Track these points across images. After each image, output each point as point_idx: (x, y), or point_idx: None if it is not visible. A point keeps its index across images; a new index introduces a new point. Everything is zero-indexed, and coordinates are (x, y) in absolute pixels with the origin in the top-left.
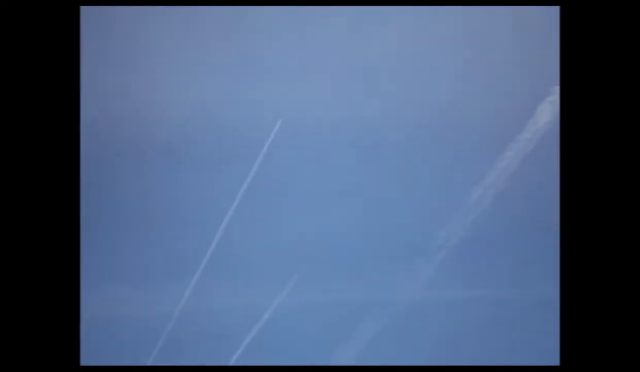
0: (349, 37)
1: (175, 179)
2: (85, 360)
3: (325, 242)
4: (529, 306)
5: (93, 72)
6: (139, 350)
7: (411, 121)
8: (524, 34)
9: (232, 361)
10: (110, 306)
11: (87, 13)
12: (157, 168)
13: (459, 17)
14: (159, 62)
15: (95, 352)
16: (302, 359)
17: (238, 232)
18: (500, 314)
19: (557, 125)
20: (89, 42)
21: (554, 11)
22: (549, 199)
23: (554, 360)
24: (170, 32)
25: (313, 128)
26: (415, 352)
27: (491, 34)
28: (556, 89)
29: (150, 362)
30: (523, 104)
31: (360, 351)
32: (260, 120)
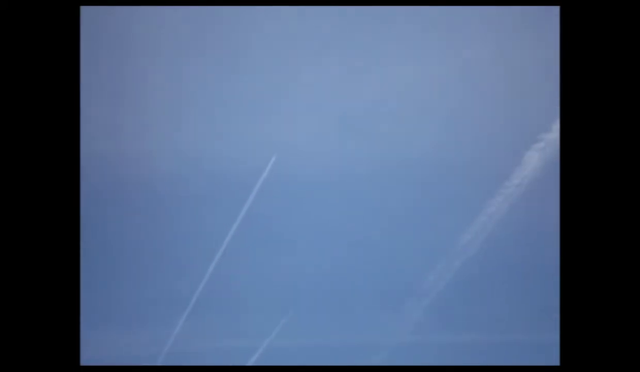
0: (343, 73)
1: (165, 216)
2: (85, 360)
3: (313, 285)
4: (520, 350)
5: (93, 72)
6: None
7: (402, 164)
8: (523, 34)
9: None
10: (96, 348)
11: (87, 13)
12: (147, 203)
13: (457, 26)
14: (159, 63)
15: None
16: None
17: (226, 274)
18: (489, 360)
19: (545, 172)
20: (89, 42)
21: (554, 11)
22: (538, 243)
23: (554, 360)
24: (171, 32)
25: (303, 168)
26: None
27: (489, 37)
28: (544, 136)
29: None
30: (511, 150)
31: None
32: (254, 156)
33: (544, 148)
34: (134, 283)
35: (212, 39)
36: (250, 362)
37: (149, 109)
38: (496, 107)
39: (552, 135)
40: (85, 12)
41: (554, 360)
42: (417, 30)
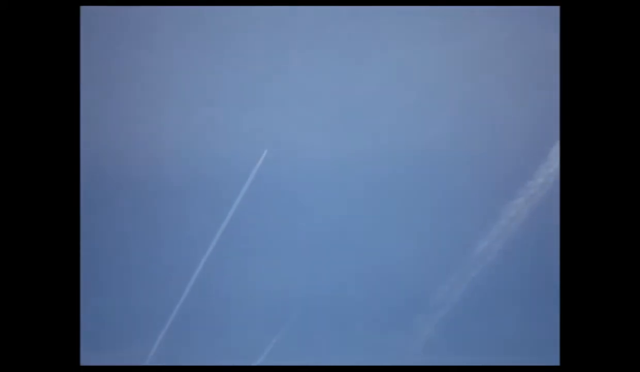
0: (343, 65)
1: (151, 214)
2: (85, 360)
3: (311, 297)
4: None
5: (93, 72)
6: None
7: (408, 160)
8: (524, 34)
9: None
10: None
11: (87, 13)
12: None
13: (459, 26)
14: (158, 62)
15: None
16: None
17: (210, 284)
18: None
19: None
20: (89, 42)
21: (554, 11)
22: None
23: (554, 360)
24: (170, 31)
25: (301, 165)
26: None
27: (491, 40)
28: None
29: None
30: (534, 145)
31: None
32: (245, 151)
33: None
34: (107, 292)
35: (211, 38)
36: None
37: (149, 107)
38: (516, 99)
39: None
40: (85, 12)
41: None
42: (417, 30)
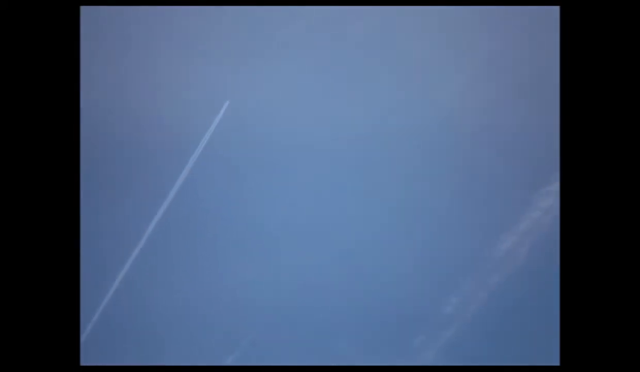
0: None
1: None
2: (85, 360)
3: (280, 307)
4: None
5: (93, 72)
6: None
7: (411, 138)
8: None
9: None
10: None
11: (87, 13)
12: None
13: (458, 18)
14: (158, 62)
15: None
16: None
17: (150, 273)
18: None
19: None
20: (89, 42)
21: (554, 11)
22: None
23: (554, 360)
24: (170, 32)
25: (280, 141)
26: None
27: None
28: None
29: None
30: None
31: None
32: (204, 103)
33: None
34: None
35: (213, 39)
36: None
37: (149, 107)
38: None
39: None
40: (85, 12)
41: None
42: (417, 29)
